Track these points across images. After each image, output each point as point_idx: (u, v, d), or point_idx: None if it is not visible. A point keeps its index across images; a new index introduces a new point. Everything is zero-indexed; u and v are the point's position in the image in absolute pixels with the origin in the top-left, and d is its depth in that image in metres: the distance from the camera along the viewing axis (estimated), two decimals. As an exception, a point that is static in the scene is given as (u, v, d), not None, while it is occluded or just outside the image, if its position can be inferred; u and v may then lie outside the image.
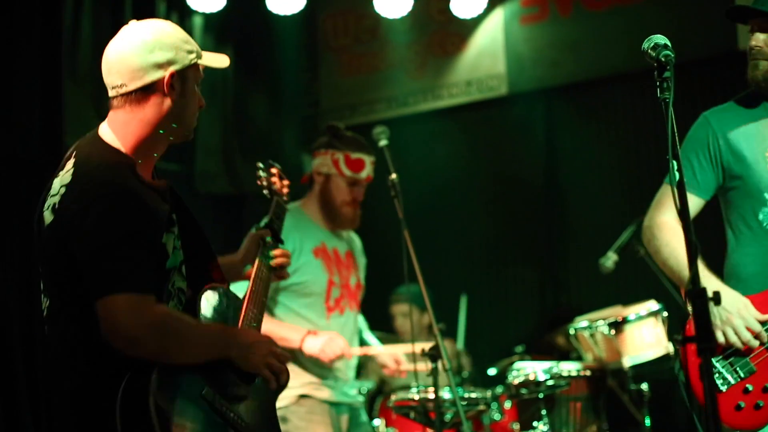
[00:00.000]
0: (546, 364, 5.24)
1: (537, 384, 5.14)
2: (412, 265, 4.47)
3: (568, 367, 5.17)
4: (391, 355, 5.13)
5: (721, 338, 3.52)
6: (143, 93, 2.97)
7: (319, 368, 4.76)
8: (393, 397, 5.12)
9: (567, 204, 7.80)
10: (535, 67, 7.97)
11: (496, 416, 5.51)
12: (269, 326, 4.68)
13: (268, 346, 3.08)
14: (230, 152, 8.27)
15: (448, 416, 4.85)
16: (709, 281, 3.55)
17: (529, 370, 5.20)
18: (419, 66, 8.49)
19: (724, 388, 3.52)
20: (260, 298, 3.31)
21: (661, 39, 3.04)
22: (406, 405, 5.00)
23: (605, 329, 5.14)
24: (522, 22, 8.06)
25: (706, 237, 3.70)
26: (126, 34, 3.02)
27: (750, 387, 3.51)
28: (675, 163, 2.86)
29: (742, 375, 3.52)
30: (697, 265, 2.73)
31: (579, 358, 5.73)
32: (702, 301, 2.64)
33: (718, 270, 3.72)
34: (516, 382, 5.19)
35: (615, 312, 5.30)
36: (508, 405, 5.70)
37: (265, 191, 3.84)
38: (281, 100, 8.77)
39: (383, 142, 4.76)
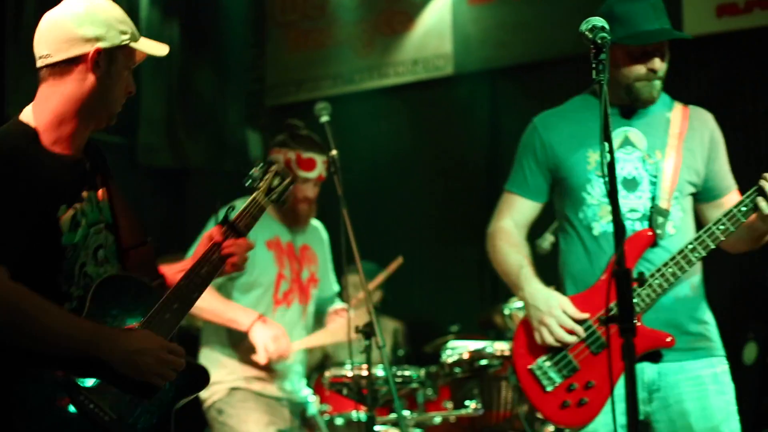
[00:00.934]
0: (480, 344, 5.26)
1: (470, 363, 5.17)
2: (349, 241, 4.46)
3: (502, 347, 5.19)
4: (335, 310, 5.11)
5: (537, 339, 3.65)
6: (67, 66, 2.88)
7: (254, 364, 4.75)
8: (327, 374, 5.12)
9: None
10: (481, 47, 7.98)
11: (431, 395, 5.51)
12: (219, 305, 4.68)
13: (157, 354, 2.85)
14: (174, 126, 8.23)
15: (382, 392, 4.87)
16: (530, 283, 3.72)
17: (463, 349, 5.23)
18: (366, 44, 8.48)
19: (549, 388, 3.65)
20: (190, 293, 3.03)
21: (599, 21, 3.06)
22: (340, 381, 5.01)
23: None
24: (470, 2, 8.07)
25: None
26: (62, 5, 2.95)
27: (574, 385, 3.63)
28: (606, 144, 2.87)
29: (565, 374, 3.64)
30: (623, 247, 2.75)
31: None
32: (626, 282, 2.66)
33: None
34: (449, 361, 5.22)
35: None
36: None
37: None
38: (227, 75, 8.74)
39: (324, 119, 4.75)
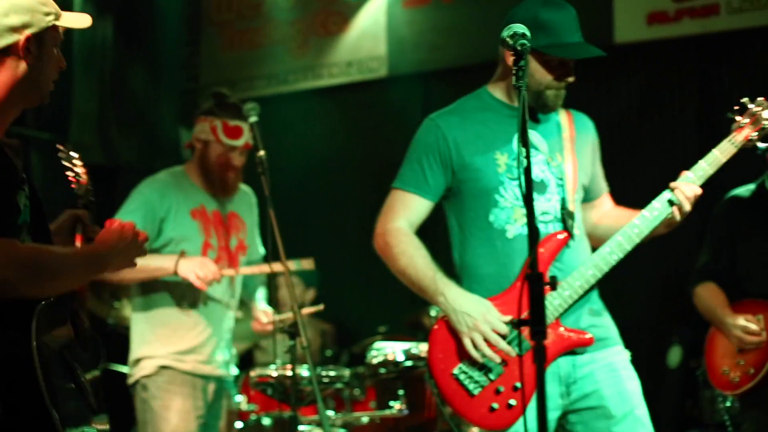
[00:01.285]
0: (405, 345, 5.30)
1: (395, 364, 5.21)
2: (276, 242, 4.47)
3: (426, 348, 5.23)
4: (262, 311, 5.11)
5: (469, 345, 3.59)
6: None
7: (183, 338, 4.76)
8: (253, 374, 5.13)
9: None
10: (415, 50, 8.02)
11: (358, 395, 5.55)
12: (140, 261, 4.66)
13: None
14: (106, 123, 8.18)
15: (307, 392, 4.88)
16: (449, 288, 3.65)
17: (389, 350, 5.26)
18: (301, 44, 8.49)
19: (476, 392, 3.61)
20: None
21: (520, 28, 3.10)
22: (265, 381, 5.02)
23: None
24: (405, 5, 8.09)
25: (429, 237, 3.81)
26: None
27: (501, 388, 3.61)
28: (524, 150, 2.90)
29: (492, 377, 3.61)
30: (537, 250, 2.80)
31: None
32: (538, 285, 2.71)
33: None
34: (374, 361, 5.26)
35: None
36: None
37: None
38: (161, 73, 8.71)
39: (253, 119, 4.74)
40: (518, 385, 3.60)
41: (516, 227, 3.70)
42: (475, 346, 3.59)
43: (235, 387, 5.27)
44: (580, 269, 3.69)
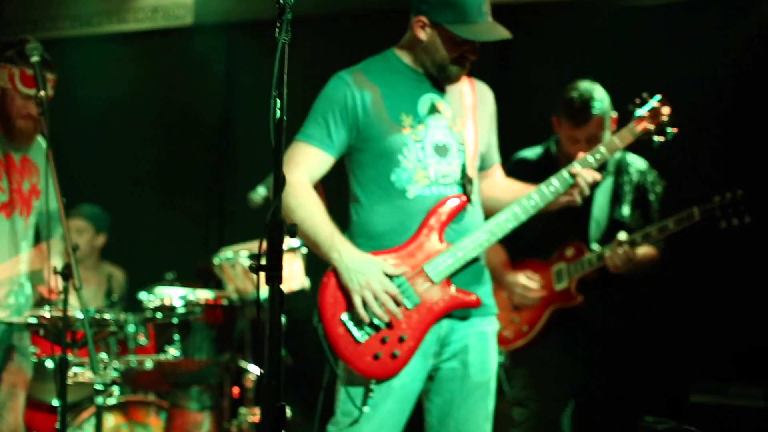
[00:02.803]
0: (183, 291, 5.33)
1: (171, 309, 5.24)
2: (52, 183, 4.43)
3: (205, 295, 5.28)
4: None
5: (359, 303, 3.68)
6: None
7: None
8: (28, 315, 5.07)
9: (239, 139, 7.89)
10: (222, 0, 7.98)
11: (142, 340, 5.54)
12: None
13: None
14: None
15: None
16: (344, 245, 3.73)
17: (166, 295, 5.29)
18: (108, -13, 8.34)
19: (362, 339, 3.70)
20: None
21: None
22: (39, 323, 4.97)
23: (245, 261, 5.25)
24: (212, -46, 8.03)
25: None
26: None
27: (387, 338, 3.70)
28: (279, 102, 2.95)
29: (379, 326, 3.71)
30: (281, 197, 2.87)
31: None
32: (278, 233, 2.79)
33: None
34: (151, 306, 5.28)
35: (257, 245, 5.38)
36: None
37: None
38: (-39, 8, 8.43)
39: (35, 59, 4.64)
40: (404, 336, 3.70)
41: (417, 188, 3.78)
42: (365, 305, 3.68)
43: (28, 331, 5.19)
44: (475, 233, 3.81)
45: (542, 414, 4.74)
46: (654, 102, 4.21)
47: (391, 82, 3.85)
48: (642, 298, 5.04)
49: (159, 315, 5.25)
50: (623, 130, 4.18)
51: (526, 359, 4.91)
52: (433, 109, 3.85)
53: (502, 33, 3.79)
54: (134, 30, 8.20)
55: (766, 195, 5.33)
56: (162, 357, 5.32)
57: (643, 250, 4.73)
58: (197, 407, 5.38)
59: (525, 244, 4.91)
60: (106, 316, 5.04)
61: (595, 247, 4.75)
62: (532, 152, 5.05)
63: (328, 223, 3.75)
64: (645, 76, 6.43)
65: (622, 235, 4.61)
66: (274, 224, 2.79)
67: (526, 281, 4.77)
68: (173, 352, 5.25)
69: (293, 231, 2.87)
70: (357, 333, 3.70)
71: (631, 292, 4.91)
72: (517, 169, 4.92)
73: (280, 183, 2.88)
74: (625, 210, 4.85)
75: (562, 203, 4.01)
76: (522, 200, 3.88)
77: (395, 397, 3.74)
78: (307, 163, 3.81)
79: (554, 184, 3.92)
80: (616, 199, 4.88)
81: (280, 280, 2.75)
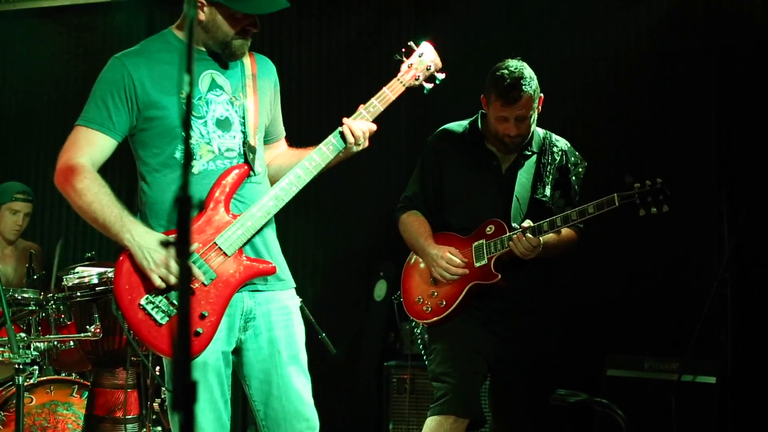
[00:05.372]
0: (101, 269, 5.31)
1: (90, 287, 5.22)
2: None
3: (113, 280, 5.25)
4: None
5: (157, 281, 3.65)
6: None
7: None
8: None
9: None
10: (141, -24, 7.94)
11: (63, 319, 5.51)
12: None
13: None
14: None
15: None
16: (135, 225, 3.70)
17: (85, 273, 5.26)
18: (28, -38, 8.24)
19: (163, 321, 3.69)
20: None
21: None
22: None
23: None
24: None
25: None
26: None
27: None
28: (188, 77, 2.94)
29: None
30: (188, 172, 2.85)
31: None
32: (185, 208, 2.79)
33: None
34: (70, 284, 5.26)
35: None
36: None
37: None
38: None
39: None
40: (205, 313, 3.71)
41: (201, 163, 3.80)
42: (159, 280, 3.66)
43: None
44: (260, 200, 3.84)
45: (459, 389, 4.77)
46: (419, 49, 4.26)
47: (169, 61, 3.84)
48: (559, 275, 5.11)
49: (78, 293, 5.23)
50: (393, 80, 4.19)
51: (443, 334, 4.93)
52: (213, 85, 3.87)
53: (281, 2, 3.82)
54: (54, 5, 8.16)
55: (686, 176, 5.46)
56: (83, 335, 5.28)
57: (562, 233, 4.78)
58: (119, 386, 5.37)
59: (448, 221, 4.95)
60: (26, 294, 5.01)
61: (515, 225, 4.80)
62: (458, 125, 5.08)
63: (115, 204, 3.71)
64: (566, 50, 6.54)
65: (526, 222, 4.65)
66: (183, 199, 2.79)
67: (451, 256, 4.80)
68: (95, 330, 5.22)
69: (202, 205, 2.86)
70: (157, 316, 3.69)
71: (549, 270, 4.96)
72: (440, 140, 5.03)
73: (188, 157, 2.87)
74: (547, 190, 4.90)
75: (342, 158, 4.03)
76: (303, 162, 3.90)
77: (205, 372, 3.76)
78: (88, 147, 3.79)
79: (333, 141, 3.95)
80: (538, 178, 4.91)
81: (189, 256, 2.75)
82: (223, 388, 3.84)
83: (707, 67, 6.53)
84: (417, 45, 4.29)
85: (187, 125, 2.91)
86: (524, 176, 4.93)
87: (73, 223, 7.89)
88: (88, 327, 5.26)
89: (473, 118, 5.04)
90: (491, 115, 4.82)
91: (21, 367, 4.62)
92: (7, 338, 5.04)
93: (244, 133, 3.89)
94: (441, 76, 4.27)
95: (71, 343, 5.44)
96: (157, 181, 3.84)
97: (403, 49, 4.26)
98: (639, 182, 4.49)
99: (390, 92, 4.13)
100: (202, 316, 3.70)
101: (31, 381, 5.38)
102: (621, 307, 6.49)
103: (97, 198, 3.70)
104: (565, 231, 4.81)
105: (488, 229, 4.83)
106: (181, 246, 2.78)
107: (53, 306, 5.32)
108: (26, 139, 8.00)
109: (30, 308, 5.07)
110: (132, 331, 3.70)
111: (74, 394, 5.68)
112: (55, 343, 5.32)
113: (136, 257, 3.67)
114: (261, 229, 3.85)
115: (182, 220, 2.79)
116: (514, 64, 4.79)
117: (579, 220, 4.60)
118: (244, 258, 3.81)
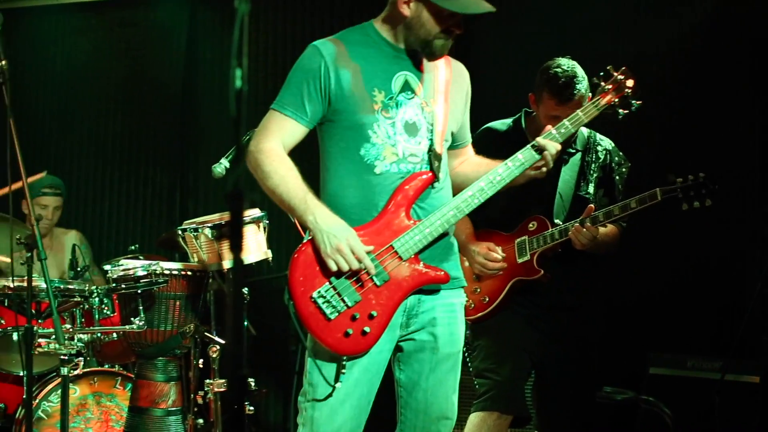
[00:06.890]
0: (146, 262, 5.34)
1: (135, 280, 5.26)
2: (15, 153, 4.43)
3: (168, 266, 5.28)
4: None
5: (333, 266, 3.65)
6: None
7: None
8: (-9, 286, 5.09)
9: (202, 111, 7.90)
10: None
11: (107, 311, 5.55)
12: None
13: None
14: None
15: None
16: (319, 208, 3.68)
17: (130, 266, 5.29)
18: (69, -42, 8.29)
19: (333, 316, 3.68)
20: None
21: None
22: (2, 293, 4.99)
23: (209, 232, 5.24)
24: None
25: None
26: None
27: (357, 314, 3.69)
28: (240, 71, 2.93)
29: (349, 303, 3.69)
30: (244, 167, 2.88)
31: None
32: (239, 202, 2.80)
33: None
34: (115, 276, 5.29)
35: (221, 216, 5.40)
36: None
37: None
38: None
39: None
40: (374, 313, 3.69)
41: (384, 164, 3.75)
42: (337, 266, 3.64)
43: None
44: (441, 209, 3.80)
45: (503, 385, 4.77)
46: (618, 75, 4.24)
47: (366, 56, 3.81)
48: (602, 273, 5.09)
49: (123, 286, 5.27)
50: (588, 104, 4.20)
51: (487, 330, 4.93)
52: (406, 87, 3.82)
53: (486, 5, 3.76)
54: (97, 0, 8.18)
55: (729, 176, 5.42)
56: (127, 328, 5.33)
57: (605, 229, 4.77)
58: (163, 378, 5.41)
59: (491, 217, 4.93)
60: (71, 286, 5.05)
61: (558, 222, 4.78)
62: (501, 124, 5.06)
63: (301, 187, 3.70)
64: (605, 50, 6.51)
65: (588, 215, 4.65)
66: (235, 194, 2.79)
67: (488, 252, 4.79)
68: (138, 322, 5.26)
69: (252, 201, 2.87)
70: (327, 310, 3.68)
71: (592, 268, 4.95)
72: (483, 138, 4.93)
73: (242, 154, 2.87)
74: (590, 188, 4.89)
75: (528, 177, 4.02)
76: (488, 175, 3.88)
77: (360, 367, 3.76)
78: (280, 132, 3.78)
79: (520, 158, 3.93)
80: (582, 176, 4.90)
81: (240, 249, 2.75)
82: (371, 388, 3.82)
83: (751, 66, 6.48)
84: (616, 70, 4.27)
85: (238, 122, 2.88)
86: (568, 173, 4.92)
87: (114, 217, 7.94)
88: (132, 319, 5.29)
89: (516, 116, 5.03)
90: (542, 113, 4.78)
91: (67, 357, 4.66)
92: (53, 330, 5.11)
93: (431, 140, 3.83)
94: (637, 103, 4.23)
95: (114, 335, 5.48)
96: (338, 173, 3.82)
97: (601, 73, 4.25)
98: (681, 177, 4.48)
99: (583, 115, 4.14)
100: (371, 316, 3.69)
101: (76, 372, 5.43)
102: (663, 305, 6.46)
103: (283, 181, 3.70)
104: (610, 228, 4.80)
105: (531, 225, 4.83)
106: (233, 239, 2.80)
107: (97, 298, 5.36)
108: (67, 133, 8.06)
109: (75, 299, 5.10)
110: (301, 322, 3.72)
111: (117, 386, 5.74)
112: (99, 334, 5.36)
113: (316, 239, 3.66)
114: (439, 237, 3.82)
115: (234, 215, 2.81)
116: (566, 62, 4.76)
117: (621, 215, 4.58)
118: (420, 264, 3.77)
